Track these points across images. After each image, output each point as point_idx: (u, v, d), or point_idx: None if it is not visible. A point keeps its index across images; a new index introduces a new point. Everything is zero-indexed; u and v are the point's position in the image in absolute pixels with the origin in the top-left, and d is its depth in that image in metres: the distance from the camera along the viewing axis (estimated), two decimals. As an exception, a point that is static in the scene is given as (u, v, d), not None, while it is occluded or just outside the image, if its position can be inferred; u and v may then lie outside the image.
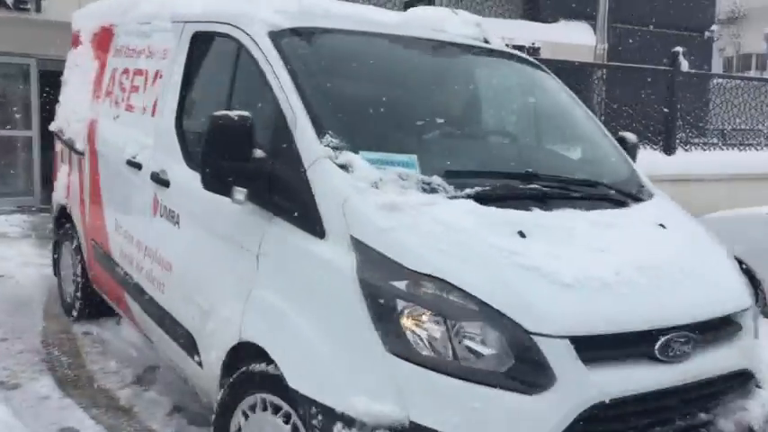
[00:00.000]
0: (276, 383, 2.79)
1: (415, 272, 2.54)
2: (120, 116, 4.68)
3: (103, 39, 5.25)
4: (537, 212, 2.92)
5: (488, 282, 2.52)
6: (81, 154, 5.15)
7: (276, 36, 3.36)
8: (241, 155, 2.99)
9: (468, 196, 2.86)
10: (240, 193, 3.03)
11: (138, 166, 4.17)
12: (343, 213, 2.75)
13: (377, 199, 2.75)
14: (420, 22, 4.06)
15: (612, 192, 3.37)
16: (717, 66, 30.01)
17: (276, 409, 2.83)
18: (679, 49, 10.38)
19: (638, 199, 3.43)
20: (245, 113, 3.01)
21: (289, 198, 2.98)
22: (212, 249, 3.40)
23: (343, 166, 2.87)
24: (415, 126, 3.31)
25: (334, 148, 2.91)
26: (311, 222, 2.85)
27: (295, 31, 3.45)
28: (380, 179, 2.85)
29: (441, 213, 2.73)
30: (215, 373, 3.25)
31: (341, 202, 2.77)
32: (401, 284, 2.54)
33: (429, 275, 2.52)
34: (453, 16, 4.12)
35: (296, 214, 2.92)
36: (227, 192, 3.06)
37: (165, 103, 4.03)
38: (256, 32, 3.40)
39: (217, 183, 3.07)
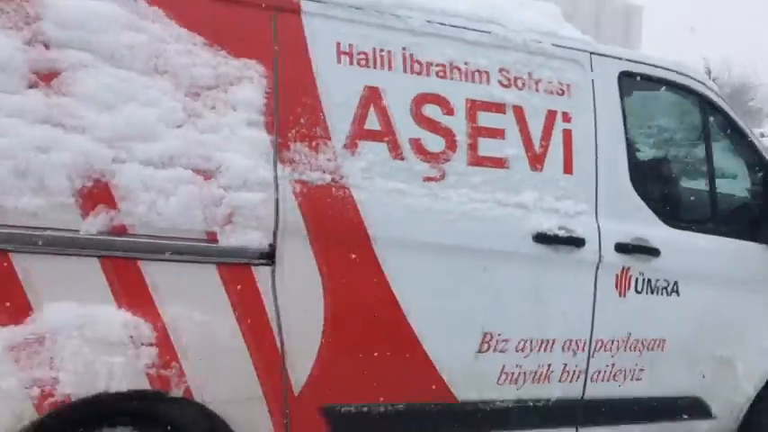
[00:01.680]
0: None
1: None
2: (450, 176, 2.80)
3: (242, 12, 2.50)
4: None
5: None
6: (259, 259, 2.48)
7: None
8: None
9: None
10: None
11: (570, 242, 3.03)
12: None
13: None
14: None
15: None
16: None
17: None
18: None
19: None
20: None
21: None
22: (734, 296, 3.53)
23: None
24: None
25: None
26: None
27: None
28: None
29: None
30: (740, 406, 3.61)
31: None
32: None
33: None
34: None
35: None
36: None
37: (603, 158, 3.15)
38: (714, 89, 3.60)
39: None
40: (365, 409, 2.75)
